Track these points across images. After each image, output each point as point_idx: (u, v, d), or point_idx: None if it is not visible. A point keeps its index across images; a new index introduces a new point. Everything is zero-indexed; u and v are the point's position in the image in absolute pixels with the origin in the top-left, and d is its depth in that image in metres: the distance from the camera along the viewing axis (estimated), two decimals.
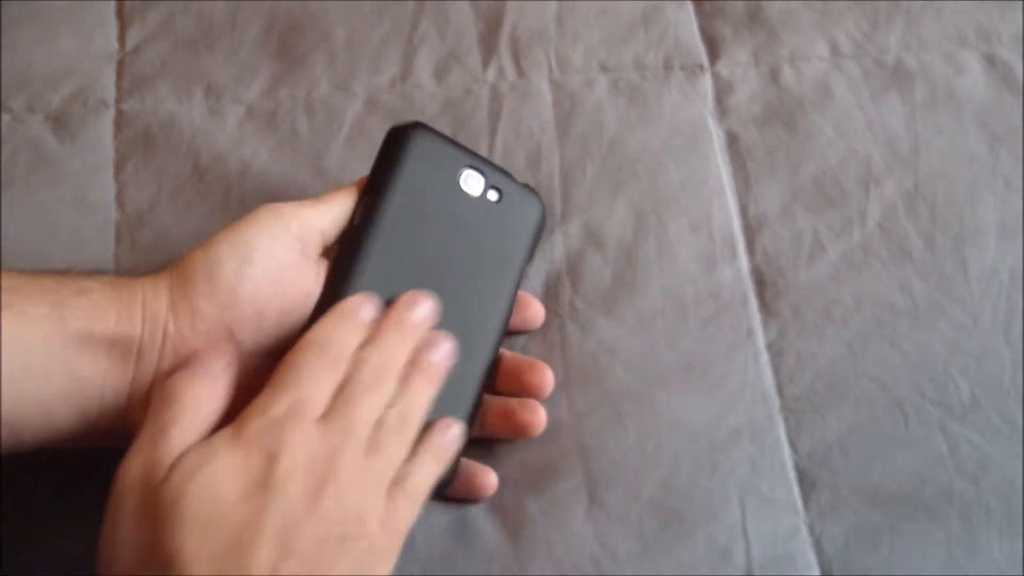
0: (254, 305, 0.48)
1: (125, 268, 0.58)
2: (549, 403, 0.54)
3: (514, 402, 0.53)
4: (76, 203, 0.60)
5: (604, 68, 0.64)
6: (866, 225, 0.59)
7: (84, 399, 0.47)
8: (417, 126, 0.53)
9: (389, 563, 0.45)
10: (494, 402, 0.53)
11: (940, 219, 0.60)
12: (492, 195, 0.54)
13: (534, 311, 0.56)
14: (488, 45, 0.65)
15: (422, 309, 0.50)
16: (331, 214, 0.51)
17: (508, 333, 0.55)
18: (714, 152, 0.62)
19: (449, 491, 0.52)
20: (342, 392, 0.46)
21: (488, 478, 0.52)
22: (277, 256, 0.49)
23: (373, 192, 0.52)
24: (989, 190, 0.61)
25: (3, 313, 0.45)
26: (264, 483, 0.42)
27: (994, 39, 0.65)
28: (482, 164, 0.54)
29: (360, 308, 0.49)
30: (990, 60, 0.65)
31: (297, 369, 0.46)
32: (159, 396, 0.46)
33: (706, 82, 0.64)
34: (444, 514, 0.52)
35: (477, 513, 0.52)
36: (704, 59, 0.65)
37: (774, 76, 0.64)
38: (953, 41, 0.65)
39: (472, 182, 0.53)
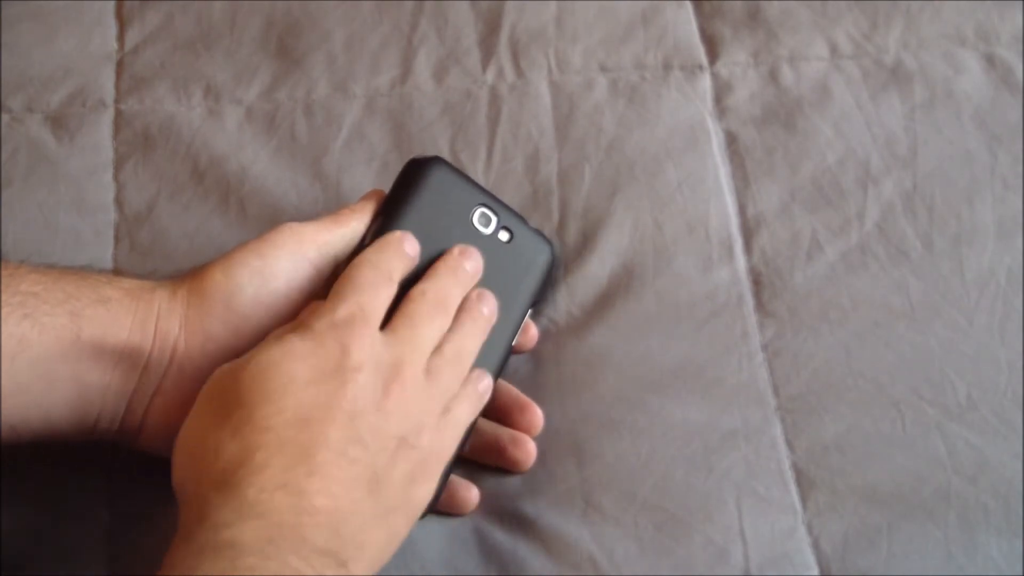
0: (266, 332, 0.48)
1: (123, 269, 0.58)
2: (544, 407, 0.54)
3: (505, 436, 0.53)
4: (75, 203, 0.60)
5: (603, 68, 0.64)
6: (864, 225, 0.59)
7: (86, 404, 0.47)
8: (435, 160, 0.54)
9: (432, 486, 0.47)
10: (488, 430, 0.53)
11: (938, 219, 0.60)
12: (503, 235, 0.54)
13: (529, 334, 0.56)
14: (487, 46, 0.65)
15: (474, 261, 0.52)
16: (346, 237, 0.51)
17: None
18: (713, 152, 0.62)
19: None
20: (405, 312, 0.48)
21: (470, 493, 0.52)
22: (295, 284, 0.49)
23: (385, 217, 0.52)
24: (987, 190, 0.60)
25: (23, 323, 0.46)
26: (336, 371, 0.44)
27: (993, 39, 0.65)
28: (496, 205, 0.54)
29: (404, 240, 0.50)
30: (989, 60, 0.65)
31: (355, 280, 0.47)
32: None
33: (705, 82, 0.64)
34: (443, 516, 0.52)
35: (475, 515, 0.52)
36: (703, 59, 0.65)
37: (773, 76, 0.64)
38: (952, 41, 0.65)
39: (484, 220, 0.54)
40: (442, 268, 0.51)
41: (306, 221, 0.51)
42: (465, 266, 0.51)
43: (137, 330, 0.47)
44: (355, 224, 0.52)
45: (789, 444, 0.54)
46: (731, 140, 0.62)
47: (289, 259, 0.49)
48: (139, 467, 0.52)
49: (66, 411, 0.47)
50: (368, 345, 0.46)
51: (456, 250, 0.52)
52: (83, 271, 0.50)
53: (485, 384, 0.51)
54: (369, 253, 0.49)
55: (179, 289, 0.49)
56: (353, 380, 0.44)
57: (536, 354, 0.56)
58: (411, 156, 0.55)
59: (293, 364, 0.44)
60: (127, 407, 0.48)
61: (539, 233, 0.56)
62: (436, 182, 0.53)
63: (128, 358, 0.47)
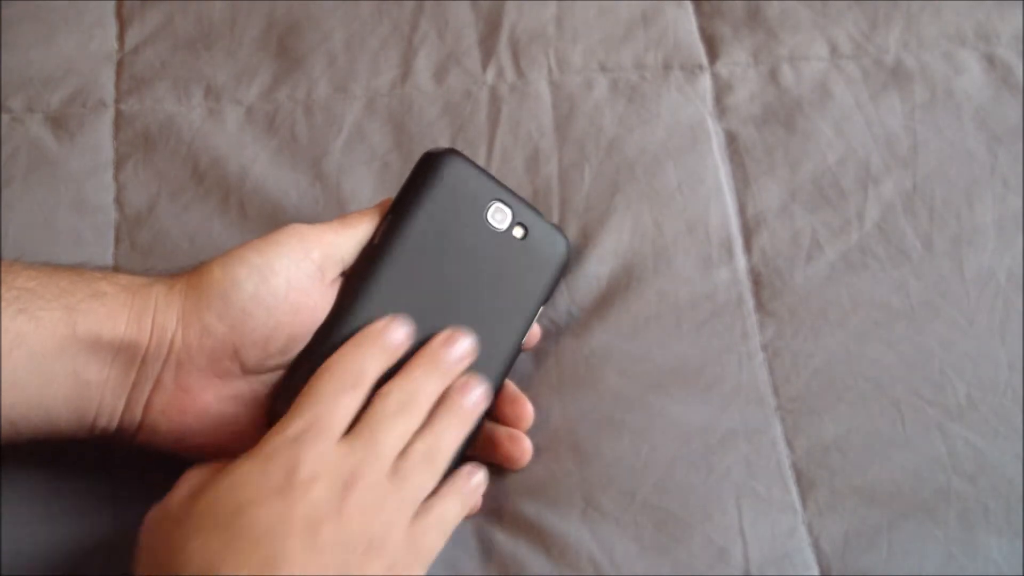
0: (264, 329, 0.48)
1: (124, 269, 0.58)
2: (544, 407, 0.54)
3: (502, 432, 0.53)
4: (75, 204, 0.60)
5: (603, 68, 0.64)
6: (864, 225, 0.59)
7: (85, 400, 0.47)
8: (451, 152, 0.53)
9: None
10: (484, 427, 0.53)
11: (938, 219, 0.60)
12: (518, 231, 0.54)
13: (531, 331, 0.55)
14: (487, 46, 0.65)
15: (459, 348, 0.51)
16: (354, 239, 0.51)
17: None
18: (713, 152, 0.62)
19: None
20: (366, 416, 0.47)
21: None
22: (295, 283, 0.49)
23: (397, 213, 0.52)
24: (987, 190, 0.60)
25: (18, 317, 0.46)
26: (286, 487, 0.44)
27: (993, 39, 0.65)
28: (512, 199, 0.54)
29: (384, 332, 0.49)
30: (989, 60, 0.65)
31: (315, 392, 0.47)
32: None
33: (705, 82, 0.64)
34: None
35: (475, 519, 0.52)
36: (703, 59, 0.65)
37: (773, 76, 0.64)
38: (952, 41, 0.65)
39: (499, 216, 0.53)
40: (417, 362, 0.49)
41: (313, 223, 0.51)
42: (448, 356, 0.50)
43: (133, 324, 0.47)
44: (364, 227, 0.51)
45: (789, 444, 0.54)
46: (731, 140, 0.62)
47: (290, 258, 0.49)
48: (141, 468, 0.52)
49: (65, 407, 0.47)
50: (321, 456, 0.45)
51: (440, 338, 0.50)
52: (78, 268, 0.50)
53: (477, 479, 0.50)
54: (339, 353, 0.48)
55: (177, 284, 0.49)
56: (306, 493, 0.44)
57: (536, 352, 0.56)
58: (411, 155, 0.55)
59: (240, 491, 0.44)
60: (126, 403, 0.48)
61: (555, 227, 0.55)
62: (450, 177, 0.52)
63: (125, 352, 0.47)
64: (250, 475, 0.44)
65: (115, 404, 0.48)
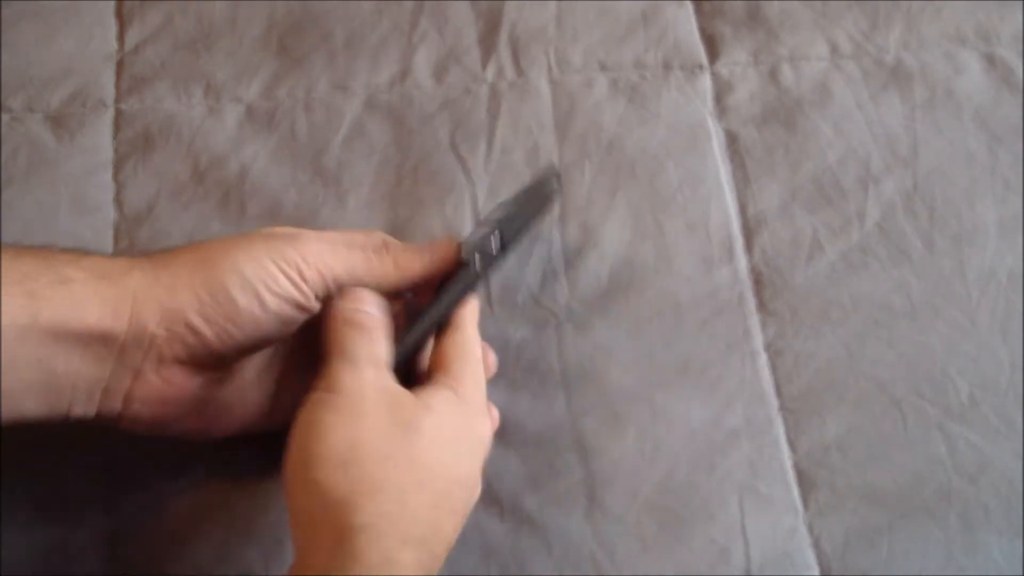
0: (250, 340, 0.47)
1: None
2: (548, 402, 0.55)
3: None
4: (75, 203, 0.60)
5: (603, 68, 0.64)
6: (865, 225, 0.59)
7: (54, 389, 0.45)
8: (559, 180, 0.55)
9: None
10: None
11: (939, 219, 0.60)
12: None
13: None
14: (487, 44, 0.65)
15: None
16: (373, 273, 0.49)
17: None
18: (713, 151, 0.62)
19: None
20: (477, 386, 0.50)
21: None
22: (288, 299, 0.47)
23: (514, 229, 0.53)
24: (988, 190, 0.60)
25: None
26: (477, 456, 0.48)
27: (994, 39, 0.65)
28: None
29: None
30: (990, 60, 0.65)
31: (475, 356, 0.50)
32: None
33: (705, 82, 0.64)
34: None
35: (476, 511, 0.52)
36: (703, 59, 0.65)
37: (773, 76, 0.64)
38: (953, 41, 0.65)
39: (495, 239, 0.53)
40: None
41: (327, 230, 0.50)
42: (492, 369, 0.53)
43: (108, 314, 0.45)
44: (394, 272, 0.50)
45: (791, 443, 0.54)
46: (731, 140, 0.62)
47: (288, 278, 0.47)
48: (140, 467, 0.52)
49: (33, 396, 0.45)
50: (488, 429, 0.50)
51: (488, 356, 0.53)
52: (45, 249, 0.47)
53: None
54: (467, 324, 0.50)
55: (161, 276, 0.46)
56: (481, 470, 0.48)
57: (539, 349, 0.56)
58: (411, 150, 0.55)
59: (444, 443, 0.46)
60: (104, 392, 0.46)
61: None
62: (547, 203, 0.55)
63: (96, 342, 0.45)
64: (454, 430, 0.47)
65: (91, 393, 0.46)
